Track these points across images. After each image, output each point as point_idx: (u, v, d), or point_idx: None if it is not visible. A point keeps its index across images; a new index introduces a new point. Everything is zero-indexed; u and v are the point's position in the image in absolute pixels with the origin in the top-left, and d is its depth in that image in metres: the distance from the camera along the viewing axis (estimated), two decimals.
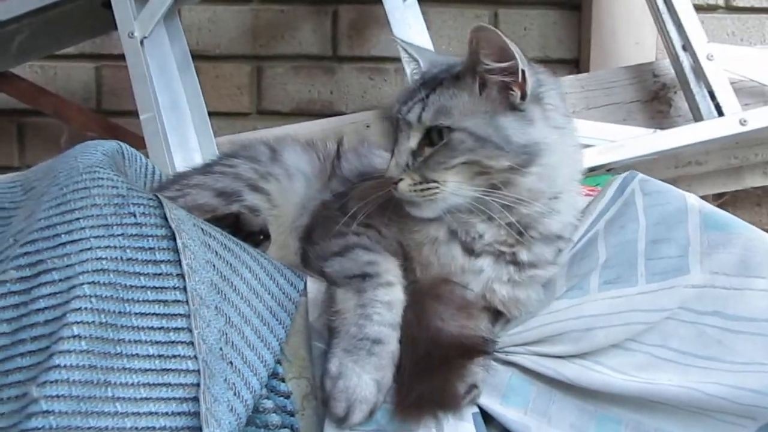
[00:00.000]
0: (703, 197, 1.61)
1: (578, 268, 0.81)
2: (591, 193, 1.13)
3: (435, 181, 0.74)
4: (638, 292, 0.77)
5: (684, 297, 0.76)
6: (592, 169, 1.34)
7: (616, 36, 1.67)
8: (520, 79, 0.74)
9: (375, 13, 1.74)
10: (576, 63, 1.78)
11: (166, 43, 1.45)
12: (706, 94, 1.38)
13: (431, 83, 0.78)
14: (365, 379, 0.68)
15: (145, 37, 1.36)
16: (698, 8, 1.41)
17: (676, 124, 1.51)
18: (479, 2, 1.76)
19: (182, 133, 1.44)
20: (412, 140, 0.76)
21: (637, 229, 0.81)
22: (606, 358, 0.75)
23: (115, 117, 1.76)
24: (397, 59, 1.74)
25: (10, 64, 1.54)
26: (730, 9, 1.76)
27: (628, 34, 1.67)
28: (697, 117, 1.40)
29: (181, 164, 1.39)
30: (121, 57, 1.74)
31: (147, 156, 1.35)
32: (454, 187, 0.74)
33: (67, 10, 1.41)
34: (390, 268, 0.75)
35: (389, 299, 0.72)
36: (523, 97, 0.75)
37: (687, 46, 1.37)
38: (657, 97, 1.53)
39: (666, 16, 1.38)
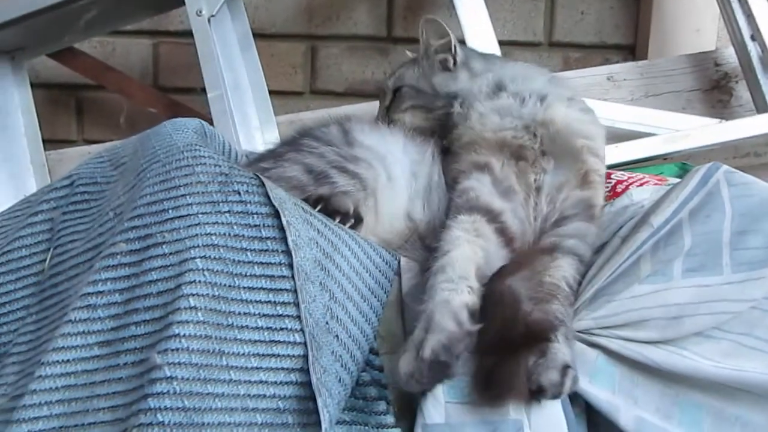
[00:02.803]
0: None
1: (663, 254, 0.82)
2: (659, 182, 1.14)
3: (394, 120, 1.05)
4: (724, 282, 0.78)
5: None
6: (653, 158, 1.35)
7: (676, 23, 1.66)
8: (453, 51, 1.05)
9: None
10: (632, 49, 1.77)
11: (229, 22, 1.47)
12: None
13: (400, 66, 1.14)
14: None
15: (213, 16, 1.38)
16: None
17: (737, 114, 1.50)
18: None
19: (244, 111, 1.47)
20: (387, 99, 1.10)
21: (723, 219, 0.82)
22: (691, 345, 0.77)
23: (170, 93, 1.79)
24: None
25: (78, 40, 1.57)
26: None
27: (689, 21, 1.65)
28: (761, 107, 1.39)
29: (244, 142, 1.42)
30: (178, 34, 1.78)
31: None
32: (408, 121, 1.04)
33: None
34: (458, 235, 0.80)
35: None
36: (455, 63, 1.05)
37: (756, 36, 1.35)
38: (718, 87, 1.52)
39: (735, 5, 1.37)
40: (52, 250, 0.89)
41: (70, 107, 1.85)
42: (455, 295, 0.73)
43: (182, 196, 0.76)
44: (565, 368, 0.73)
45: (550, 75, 1.07)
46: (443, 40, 1.05)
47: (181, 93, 1.78)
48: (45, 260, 0.90)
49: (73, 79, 1.76)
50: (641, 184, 1.11)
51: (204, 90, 1.40)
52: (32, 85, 1.62)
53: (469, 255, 0.78)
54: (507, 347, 0.71)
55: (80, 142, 1.85)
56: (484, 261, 0.79)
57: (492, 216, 0.85)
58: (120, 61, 1.81)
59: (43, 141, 1.60)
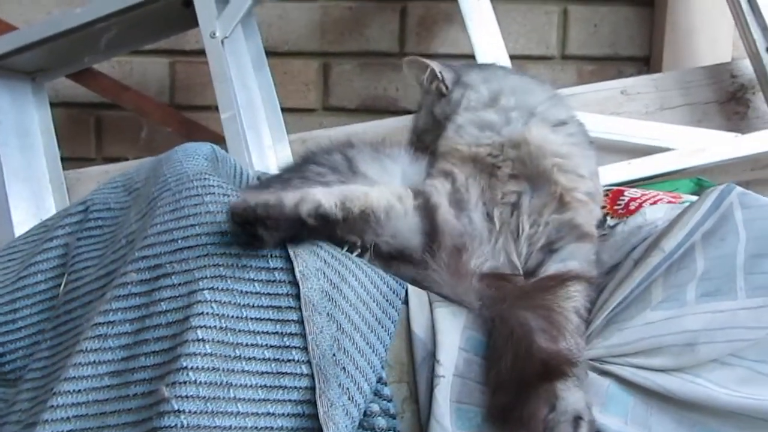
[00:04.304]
0: None
1: (675, 278, 0.81)
2: (673, 200, 1.12)
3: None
4: (740, 307, 0.76)
5: None
6: (669, 174, 1.33)
7: (691, 34, 1.64)
8: (440, 78, 1.04)
9: (443, 9, 1.74)
10: (646, 60, 1.75)
11: (243, 42, 1.49)
12: None
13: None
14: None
15: (226, 37, 1.40)
16: None
17: (754, 126, 1.47)
18: None
19: (257, 130, 1.48)
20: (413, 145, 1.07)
21: (737, 242, 0.81)
22: (706, 372, 0.75)
23: (186, 111, 1.81)
24: (463, 56, 1.74)
25: (98, 60, 1.61)
26: None
27: (704, 32, 1.63)
28: None
29: (257, 161, 1.43)
30: (193, 53, 1.81)
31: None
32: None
33: (151, 9, 1.46)
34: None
35: None
36: (447, 87, 1.04)
37: None
38: (734, 98, 1.50)
39: (749, 17, 1.35)
40: (66, 276, 0.91)
41: (89, 125, 1.88)
42: (325, 192, 0.78)
43: (191, 225, 0.77)
44: (577, 420, 0.71)
45: (552, 93, 1.05)
46: (426, 71, 1.05)
47: (197, 110, 1.81)
48: (60, 285, 0.91)
49: (92, 98, 1.79)
50: (654, 202, 1.10)
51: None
52: (52, 104, 1.66)
53: (370, 191, 0.82)
54: (521, 383, 0.71)
55: (99, 160, 1.88)
56: (380, 204, 0.82)
57: (423, 197, 0.87)
58: (137, 79, 1.84)
59: (63, 159, 1.63)
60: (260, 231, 0.72)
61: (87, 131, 1.88)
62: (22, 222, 1.51)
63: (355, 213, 0.78)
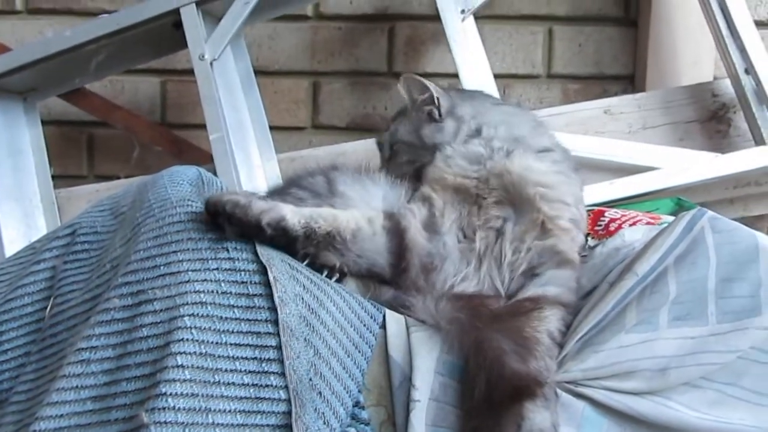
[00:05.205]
0: (762, 217, 1.61)
1: (648, 302, 0.83)
2: (652, 221, 1.14)
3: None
4: (711, 333, 0.78)
5: (756, 338, 0.77)
6: (651, 193, 1.35)
7: (673, 53, 1.67)
8: (437, 104, 1.04)
9: (430, 29, 1.77)
10: (631, 79, 1.78)
11: (232, 62, 1.51)
12: None
13: (395, 117, 1.15)
14: None
15: (215, 59, 1.42)
16: (757, 24, 1.41)
17: (735, 144, 1.50)
18: (534, 19, 1.77)
19: (246, 150, 1.50)
20: (386, 152, 1.12)
21: (707, 266, 0.83)
22: (677, 395, 0.77)
23: (177, 129, 1.83)
24: (451, 75, 1.76)
25: (88, 81, 1.63)
26: None
27: (686, 52, 1.66)
28: (758, 139, 1.39)
29: (245, 181, 1.45)
30: (185, 72, 1.83)
31: (215, 173, 1.42)
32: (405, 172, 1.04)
33: (141, 31, 1.48)
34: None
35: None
36: (440, 114, 1.05)
37: (750, 70, 1.36)
38: (716, 117, 1.52)
39: (729, 40, 1.38)
40: (53, 299, 0.92)
41: (81, 143, 1.90)
42: (293, 210, 0.84)
43: (174, 252, 0.78)
44: None
45: (536, 122, 1.08)
46: (425, 94, 1.05)
47: (188, 129, 1.82)
48: (46, 308, 0.93)
49: (84, 116, 1.81)
50: (634, 223, 1.11)
51: None
52: (44, 122, 1.67)
53: (339, 214, 0.87)
54: (493, 406, 0.73)
55: (90, 177, 1.89)
56: (348, 226, 0.86)
57: (394, 219, 0.90)
58: (129, 98, 1.86)
59: (54, 176, 1.65)
60: (224, 224, 0.79)
61: (79, 149, 1.90)
62: (13, 241, 1.52)
63: (318, 233, 0.83)
